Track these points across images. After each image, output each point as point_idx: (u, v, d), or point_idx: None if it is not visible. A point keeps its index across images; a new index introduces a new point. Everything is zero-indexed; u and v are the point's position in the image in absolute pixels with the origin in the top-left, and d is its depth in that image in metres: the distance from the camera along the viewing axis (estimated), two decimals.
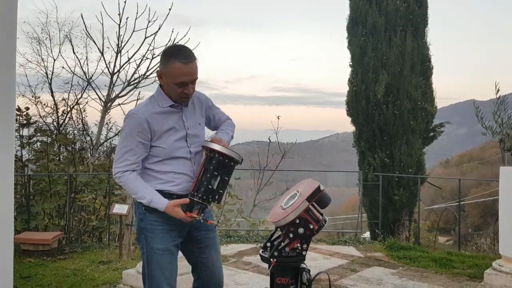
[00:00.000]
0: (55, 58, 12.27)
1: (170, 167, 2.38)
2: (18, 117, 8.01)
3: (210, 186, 2.28)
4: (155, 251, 2.38)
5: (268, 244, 2.21)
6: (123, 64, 11.79)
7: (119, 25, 11.36)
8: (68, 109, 12.07)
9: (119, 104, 12.07)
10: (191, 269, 2.60)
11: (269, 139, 9.54)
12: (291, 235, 2.06)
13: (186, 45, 2.46)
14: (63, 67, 12.24)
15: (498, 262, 4.01)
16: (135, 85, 11.91)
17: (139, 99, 11.92)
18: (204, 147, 2.42)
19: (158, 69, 2.39)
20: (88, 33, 11.71)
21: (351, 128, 10.13)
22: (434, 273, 5.23)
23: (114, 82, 11.89)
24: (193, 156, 2.43)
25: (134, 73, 11.81)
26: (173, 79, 2.29)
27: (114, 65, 11.78)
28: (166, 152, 2.37)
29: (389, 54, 9.49)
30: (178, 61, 2.26)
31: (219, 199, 2.34)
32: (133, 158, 2.35)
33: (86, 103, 12.31)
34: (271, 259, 2.07)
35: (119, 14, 11.28)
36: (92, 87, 11.99)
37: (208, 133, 2.66)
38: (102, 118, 11.99)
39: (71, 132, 11.92)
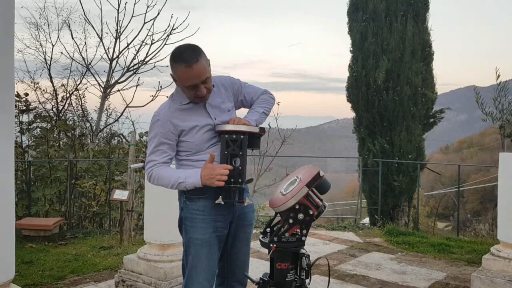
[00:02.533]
0: (53, 44, 12.21)
1: (206, 156, 2.31)
2: (17, 103, 7.99)
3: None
4: (194, 241, 2.32)
5: (268, 230, 2.22)
6: (122, 50, 11.74)
7: (118, 10, 11.28)
8: (68, 95, 12.04)
9: (118, 90, 12.04)
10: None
11: (269, 125, 9.54)
12: (290, 221, 2.06)
13: (191, 43, 2.37)
14: (61, 53, 12.20)
15: (496, 248, 4.03)
16: (134, 71, 11.87)
17: (138, 85, 11.91)
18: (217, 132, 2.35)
19: (171, 73, 2.33)
20: (87, 18, 11.64)
21: (351, 114, 10.14)
22: (433, 258, 5.27)
23: (113, 68, 11.84)
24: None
25: (134, 58, 11.77)
26: (182, 83, 2.26)
27: (113, 51, 11.73)
28: (196, 145, 2.33)
29: (389, 39, 9.44)
30: (181, 66, 2.20)
31: (240, 175, 2.25)
32: (159, 157, 2.33)
33: (86, 89, 12.29)
34: (271, 245, 2.08)
35: None
36: (91, 73, 11.95)
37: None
38: (102, 104, 11.96)
39: (70, 118, 11.89)
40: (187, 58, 2.20)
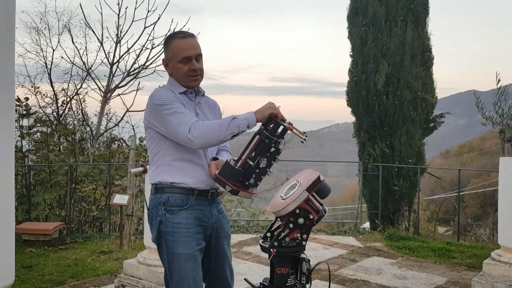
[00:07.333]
0: (54, 48, 12.24)
1: (187, 155, 2.24)
2: (18, 107, 7.99)
3: (260, 166, 2.15)
4: (177, 257, 2.20)
5: (268, 234, 2.21)
6: (123, 54, 11.77)
7: (118, 14, 11.32)
8: (68, 99, 12.05)
9: (119, 95, 12.07)
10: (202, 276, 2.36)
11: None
12: (291, 225, 2.06)
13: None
14: (62, 57, 12.22)
15: (497, 252, 4.03)
16: (134, 75, 11.89)
17: (138, 89, 11.93)
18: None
19: (163, 58, 2.36)
20: (87, 23, 11.68)
21: (352, 119, 10.13)
22: (433, 263, 5.26)
23: (113, 72, 11.87)
24: (207, 149, 2.30)
25: (134, 63, 11.80)
26: (176, 57, 2.25)
27: (114, 55, 11.76)
28: None
29: (389, 44, 9.45)
30: (176, 39, 2.27)
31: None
32: (191, 116, 2.19)
33: (86, 93, 12.30)
34: (271, 249, 2.08)
35: (118, 4, 11.24)
36: (92, 77, 11.97)
37: None
38: (102, 108, 11.98)
39: (71, 122, 11.91)
40: (183, 33, 2.32)
